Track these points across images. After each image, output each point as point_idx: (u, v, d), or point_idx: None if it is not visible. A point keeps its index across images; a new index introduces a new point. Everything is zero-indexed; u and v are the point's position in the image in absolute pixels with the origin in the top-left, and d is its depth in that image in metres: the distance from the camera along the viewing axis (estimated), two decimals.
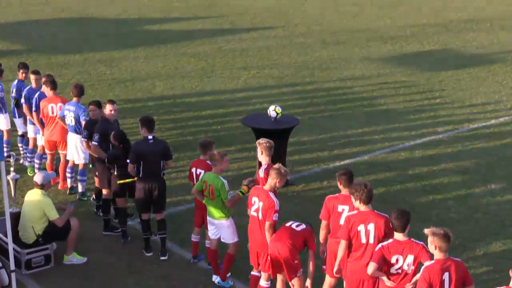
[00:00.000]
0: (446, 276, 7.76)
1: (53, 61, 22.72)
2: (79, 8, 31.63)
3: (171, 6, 32.42)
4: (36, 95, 13.65)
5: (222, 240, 10.43)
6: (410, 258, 8.12)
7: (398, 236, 8.21)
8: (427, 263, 7.86)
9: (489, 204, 13.21)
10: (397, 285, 8.21)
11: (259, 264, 9.66)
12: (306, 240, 9.31)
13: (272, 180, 9.45)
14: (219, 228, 10.33)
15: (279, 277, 9.59)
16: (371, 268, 8.24)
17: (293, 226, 9.39)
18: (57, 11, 30.95)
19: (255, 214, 9.52)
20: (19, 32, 26.93)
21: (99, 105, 12.52)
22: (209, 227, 10.49)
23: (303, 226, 9.40)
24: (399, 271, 8.18)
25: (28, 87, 14.14)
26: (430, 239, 7.80)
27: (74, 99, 13.10)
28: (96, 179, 12.41)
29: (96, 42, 25.27)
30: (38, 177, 11.02)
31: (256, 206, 9.48)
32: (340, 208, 9.12)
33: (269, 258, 9.34)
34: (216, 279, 10.48)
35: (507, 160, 15.25)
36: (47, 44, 24.96)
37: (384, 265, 8.22)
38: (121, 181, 11.38)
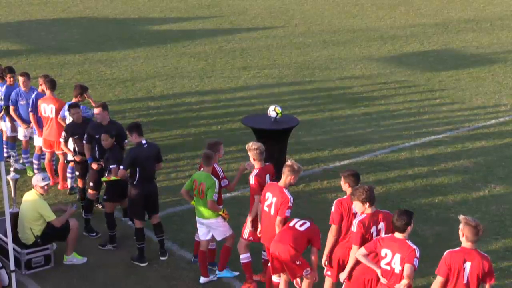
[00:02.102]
0: (467, 265, 7.84)
1: (53, 61, 22.71)
2: (79, 8, 31.60)
3: (171, 6, 32.40)
4: (33, 95, 13.65)
5: (217, 239, 10.41)
6: (397, 257, 8.14)
7: (397, 234, 8.25)
8: (450, 250, 7.98)
9: (489, 204, 13.21)
10: (388, 284, 8.22)
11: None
12: (311, 239, 9.31)
13: (287, 178, 9.52)
14: (210, 227, 10.31)
15: (283, 277, 9.60)
16: (360, 251, 8.40)
17: (297, 226, 9.37)
18: (57, 11, 30.93)
19: (267, 209, 9.54)
20: (19, 32, 26.91)
21: (74, 106, 12.61)
22: (199, 227, 10.46)
23: (307, 224, 9.38)
24: (388, 267, 8.21)
25: (17, 89, 14.05)
26: (461, 226, 7.91)
27: (74, 99, 13.11)
28: (80, 180, 12.52)
29: (96, 42, 25.25)
30: (33, 180, 11.04)
31: (269, 201, 9.51)
32: (354, 209, 9.02)
33: (270, 257, 9.36)
34: (204, 280, 10.47)
35: (507, 160, 15.25)
36: (47, 44, 24.94)
37: (374, 257, 8.33)
38: (106, 179, 11.31)
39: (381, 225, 8.72)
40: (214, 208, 10.14)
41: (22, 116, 13.92)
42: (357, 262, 8.65)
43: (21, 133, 14.19)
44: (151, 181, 11.07)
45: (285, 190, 9.48)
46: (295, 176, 9.55)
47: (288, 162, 9.64)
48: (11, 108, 13.97)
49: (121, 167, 10.88)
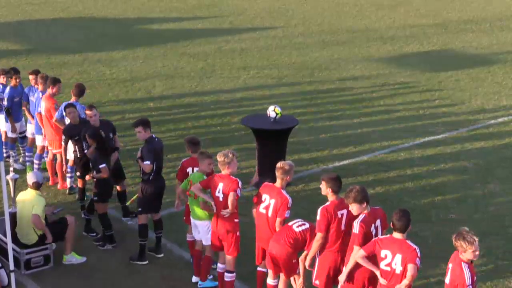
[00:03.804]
0: (450, 266, 8.01)
1: (52, 61, 22.71)
2: (79, 8, 31.60)
3: (171, 6, 32.40)
4: (37, 94, 13.62)
5: (203, 243, 10.36)
6: (398, 257, 8.10)
7: (397, 234, 8.22)
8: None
9: (488, 205, 13.22)
10: (388, 284, 8.20)
11: (263, 260, 9.67)
12: (307, 240, 9.28)
13: (282, 180, 9.45)
14: (200, 229, 10.29)
15: (282, 277, 9.60)
16: (359, 254, 8.34)
17: (294, 226, 9.36)
18: (56, 11, 30.93)
19: (264, 211, 9.48)
20: (19, 32, 26.91)
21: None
22: (193, 228, 10.45)
23: (306, 226, 9.37)
24: (388, 268, 8.18)
25: (28, 86, 14.11)
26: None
27: (73, 99, 13.08)
28: (80, 180, 12.46)
29: (95, 42, 25.25)
30: (30, 178, 10.98)
31: (266, 203, 9.44)
32: (339, 213, 8.99)
33: (269, 257, 9.36)
34: (196, 279, 10.51)
35: (506, 161, 15.26)
36: (47, 44, 24.94)
37: (374, 258, 8.29)
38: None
39: (378, 222, 8.71)
40: (206, 208, 10.11)
41: (32, 112, 13.90)
42: (356, 264, 8.60)
43: (30, 131, 14.15)
44: (161, 175, 11.14)
45: (283, 191, 9.43)
46: (290, 175, 9.50)
47: (279, 164, 9.49)
48: (24, 104, 13.96)
49: (147, 162, 10.76)
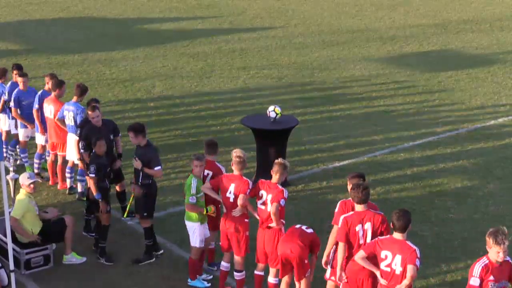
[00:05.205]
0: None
1: (52, 61, 22.70)
2: (79, 8, 31.59)
3: (171, 6, 32.38)
4: (40, 93, 13.58)
5: (191, 243, 10.39)
6: (398, 258, 8.10)
7: (397, 235, 8.21)
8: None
9: (488, 205, 13.23)
10: (388, 285, 8.20)
11: (266, 257, 9.71)
12: (313, 244, 9.43)
13: (281, 176, 9.60)
14: (188, 229, 10.34)
15: (284, 279, 9.63)
16: (359, 254, 8.37)
17: (303, 228, 9.54)
18: (56, 11, 30.92)
19: (262, 207, 9.60)
20: (19, 32, 26.90)
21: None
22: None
23: (312, 230, 9.56)
24: (388, 269, 8.18)
25: (17, 89, 13.85)
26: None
27: (74, 99, 13.04)
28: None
29: (95, 42, 25.24)
30: (20, 178, 10.96)
31: (263, 199, 9.56)
32: None
33: (280, 259, 9.40)
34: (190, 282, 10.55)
35: (506, 161, 15.26)
36: (47, 44, 24.92)
37: (374, 259, 8.28)
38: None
39: (368, 225, 8.64)
40: (193, 209, 10.13)
41: (25, 116, 13.81)
42: (347, 261, 8.66)
43: (22, 134, 14.05)
44: None
45: (279, 185, 9.59)
46: (287, 172, 9.74)
47: (279, 160, 9.66)
48: (13, 110, 13.79)
49: (159, 167, 10.89)
